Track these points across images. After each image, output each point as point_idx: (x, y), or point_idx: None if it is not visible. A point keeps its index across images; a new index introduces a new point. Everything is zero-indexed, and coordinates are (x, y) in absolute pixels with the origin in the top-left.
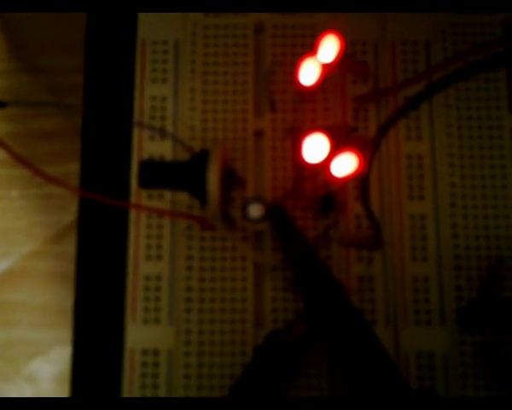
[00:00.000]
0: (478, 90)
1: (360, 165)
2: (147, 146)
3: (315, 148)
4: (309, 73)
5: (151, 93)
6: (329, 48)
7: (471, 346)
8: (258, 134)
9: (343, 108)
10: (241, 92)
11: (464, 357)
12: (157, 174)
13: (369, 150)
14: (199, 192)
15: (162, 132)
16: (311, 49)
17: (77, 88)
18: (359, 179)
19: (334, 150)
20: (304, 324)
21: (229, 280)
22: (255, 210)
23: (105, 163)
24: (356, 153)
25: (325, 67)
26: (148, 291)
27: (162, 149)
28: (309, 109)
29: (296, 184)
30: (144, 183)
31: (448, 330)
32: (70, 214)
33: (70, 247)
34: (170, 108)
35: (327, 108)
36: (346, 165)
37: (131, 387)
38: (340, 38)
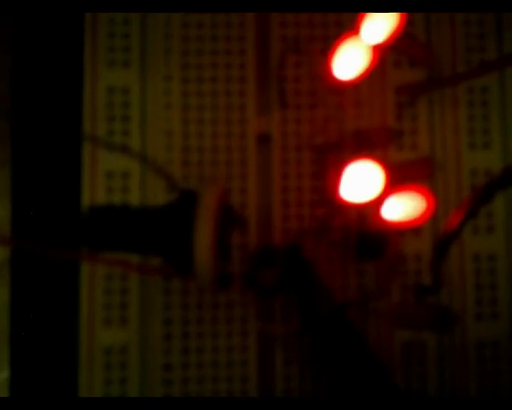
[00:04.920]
0: None
1: (429, 209)
2: (104, 161)
3: (361, 182)
4: (350, 61)
5: (108, 82)
6: (379, 24)
7: None
8: (263, 141)
9: (383, 102)
10: (238, 80)
11: None
12: (112, 234)
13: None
14: (180, 261)
15: (126, 151)
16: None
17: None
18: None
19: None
20: None
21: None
22: (264, 279)
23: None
24: (424, 193)
25: (374, 50)
26: None
27: (127, 166)
28: (334, 104)
29: (323, 222)
30: (92, 245)
31: None
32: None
33: None
34: (135, 103)
35: (360, 102)
36: (406, 206)
37: None
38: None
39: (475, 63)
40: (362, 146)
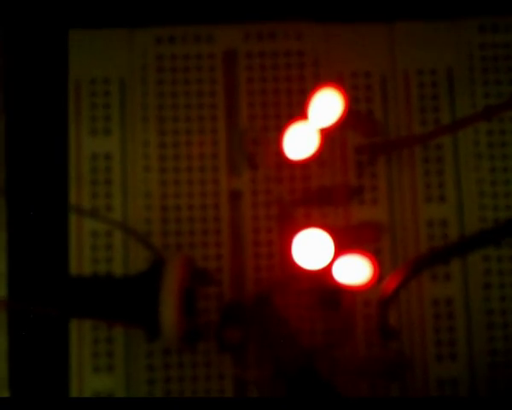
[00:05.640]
0: None
1: (375, 272)
2: (89, 221)
3: (311, 250)
4: (299, 143)
5: (91, 149)
6: (326, 108)
7: None
8: (235, 198)
9: (343, 161)
10: (211, 143)
11: None
12: (87, 299)
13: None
14: (149, 326)
15: (107, 221)
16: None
17: None
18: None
19: (339, 250)
20: None
21: None
22: (230, 337)
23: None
24: (369, 257)
25: (321, 133)
26: None
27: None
28: (299, 165)
29: (286, 279)
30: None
31: None
32: None
33: None
34: (116, 167)
35: (322, 162)
36: (353, 270)
37: None
38: (342, 94)
39: (430, 122)
40: (325, 203)
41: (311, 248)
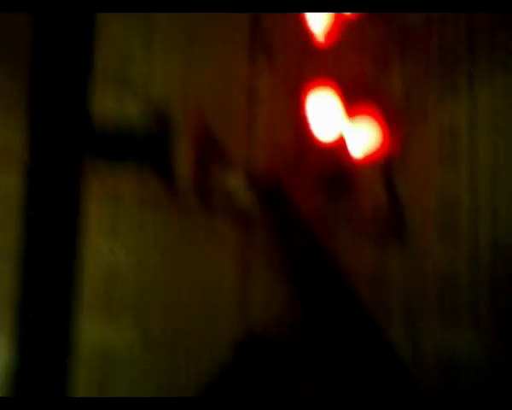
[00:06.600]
0: None
1: (384, 137)
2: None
3: (323, 109)
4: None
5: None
6: None
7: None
8: (252, 88)
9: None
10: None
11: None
12: (115, 144)
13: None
14: (165, 168)
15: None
16: None
17: None
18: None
19: (349, 117)
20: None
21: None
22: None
23: None
24: (377, 119)
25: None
26: None
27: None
28: (315, 56)
29: (299, 160)
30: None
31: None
32: None
33: None
34: None
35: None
36: (363, 137)
37: None
38: None
39: None
40: None
41: (323, 110)
